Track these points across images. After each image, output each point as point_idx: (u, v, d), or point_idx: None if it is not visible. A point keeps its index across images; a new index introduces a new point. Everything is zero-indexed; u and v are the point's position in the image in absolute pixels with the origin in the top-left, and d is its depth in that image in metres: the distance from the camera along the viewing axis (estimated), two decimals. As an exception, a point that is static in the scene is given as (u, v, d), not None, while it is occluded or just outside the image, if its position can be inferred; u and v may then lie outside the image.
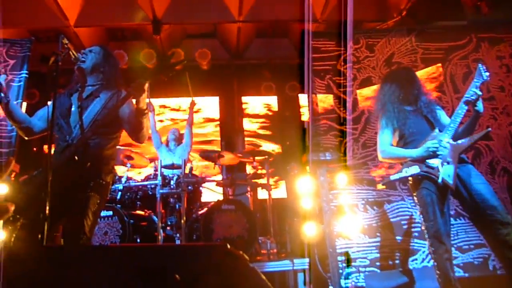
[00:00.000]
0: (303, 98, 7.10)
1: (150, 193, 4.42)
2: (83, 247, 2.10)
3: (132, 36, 6.78)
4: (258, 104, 7.60)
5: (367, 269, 3.79)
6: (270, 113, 7.56)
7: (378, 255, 3.86)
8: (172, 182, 4.38)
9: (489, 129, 3.29)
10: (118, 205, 4.14)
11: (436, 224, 2.65)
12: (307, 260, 3.65)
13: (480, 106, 2.74)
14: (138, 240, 4.08)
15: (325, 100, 4.49)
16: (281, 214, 5.03)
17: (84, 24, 5.89)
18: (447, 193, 2.75)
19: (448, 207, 2.78)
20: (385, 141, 3.00)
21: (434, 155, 2.73)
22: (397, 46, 4.72)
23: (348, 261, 3.69)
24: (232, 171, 6.16)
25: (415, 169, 2.76)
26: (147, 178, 4.55)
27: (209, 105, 7.45)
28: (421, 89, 3.04)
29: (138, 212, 4.41)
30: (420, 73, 4.59)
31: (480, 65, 2.87)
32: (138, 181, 4.54)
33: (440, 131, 2.82)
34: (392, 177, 2.87)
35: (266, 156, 4.86)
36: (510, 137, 4.39)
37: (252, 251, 4.12)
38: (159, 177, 4.17)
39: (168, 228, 4.30)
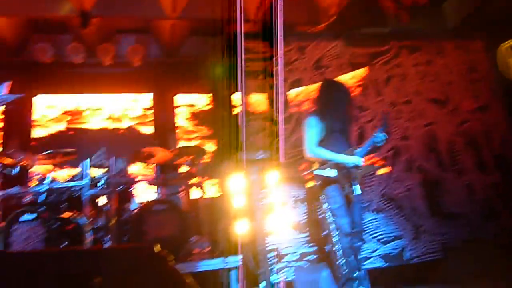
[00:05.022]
0: (236, 97, 7.15)
1: (77, 194, 4.23)
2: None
3: (59, 29, 6.39)
4: (192, 102, 7.54)
5: (298, 263, 3.94)
6: (205, 112, 7.53)
7: (307, 249, 4.03)
8: (101, 183, 4.22)
9: None
10: (42, 208, 3.91)
11: None
12: (239, 257, 3.71)
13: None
14: (66, 244, 3.88)
15: (258, 100, 4.59)
16: (214, 213, 5.04)
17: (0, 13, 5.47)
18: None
19: None
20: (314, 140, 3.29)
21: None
22: (326, 49, 4.93)
23: (278, 257, 3.81)
24: (166, 171, 6.04)
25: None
26: (73, 178, 4.34)
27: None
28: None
29: (64, 215, 4.19)
30: (348, 76, 4.84)
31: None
32: (63, 182, 4.31)
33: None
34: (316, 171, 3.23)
35: (199, 154, 4.85)
36: (425, 138, 4.79)
37: (184, 251, 4.10)
38: (87, 177, 4.02)
39: (97, 230, 4.14)
